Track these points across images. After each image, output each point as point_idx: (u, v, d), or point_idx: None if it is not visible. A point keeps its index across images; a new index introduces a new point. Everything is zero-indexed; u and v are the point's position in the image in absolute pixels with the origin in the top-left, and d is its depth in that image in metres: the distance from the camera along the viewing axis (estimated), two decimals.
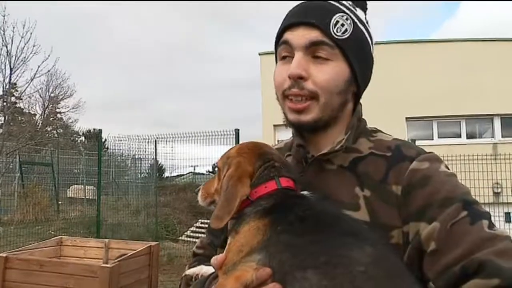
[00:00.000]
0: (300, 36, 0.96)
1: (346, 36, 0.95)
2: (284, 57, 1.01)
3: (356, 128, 1.03)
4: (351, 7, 1.00)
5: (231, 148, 1.01)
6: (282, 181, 0.90)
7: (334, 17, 0.95)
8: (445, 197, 0.84)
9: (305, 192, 0.92)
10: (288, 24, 0.99)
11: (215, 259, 0.85)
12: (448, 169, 0.92)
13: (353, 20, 0.97)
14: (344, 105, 1.01)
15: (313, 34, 0.95)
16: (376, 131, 1.06)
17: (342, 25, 0.95)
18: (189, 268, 1.13)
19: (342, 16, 0.96)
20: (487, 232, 0.77)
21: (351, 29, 0.96)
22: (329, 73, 0.95)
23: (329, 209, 0.86)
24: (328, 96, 0.96)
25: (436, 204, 0.84)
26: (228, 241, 0.87)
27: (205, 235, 1.23)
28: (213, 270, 0.98)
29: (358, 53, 0.98)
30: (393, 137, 1.03)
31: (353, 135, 1.01)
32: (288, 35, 0.98)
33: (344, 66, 0.97)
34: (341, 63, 0.97)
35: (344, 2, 1.00)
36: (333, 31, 0.94)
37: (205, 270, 1.05)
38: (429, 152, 0.96)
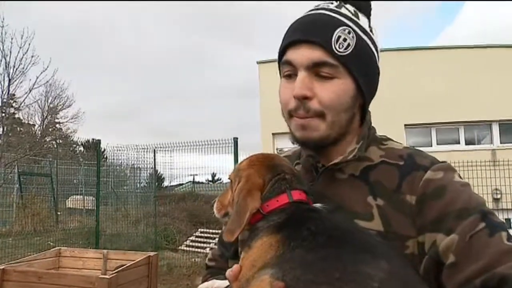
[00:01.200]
0: (302, 55, 0.94)
1: (348, 52, 0.93)
2: (288, 76, 0.99)
3: (367, 136, 1.02)
4: (353, 17, 0.97)
5: (243, 160, 1.00)
6: (294, 194, 0.89)
7: (336, 32, 0.93)
8: (462, 208, 0.83)
9: (317, 205, 0.90)
10: (290, 41, 0.97)
11: (230, 271, 0.84)
12: (462, 178, 0.91)
13: (355, 32, 0.95)
14: (351, 120, 1.00)
15: (316, 54, 0.93)
16: (387, 139, 1.05)
17: (344, 40, 0.93)
18: (202, 281, 1.12)
19: (344, 30, 0.94)
20: (506, 245, 0.76)
21: (354, 43, 0.94)
22: (334, 91, 0.93)
23: (342, 223, 0.85)
24: (335, 114, 0.95)
25: (453, 215, 0.83)
26: (242, 256, 0.86)
27: (216, 247, 1.22)
28: (226, 285, 0.97)
29: (362, 67, 0.96)
30: (403, 145, 1.03)
31: (365, 144, 1.00)
32: (290, 55, 0.97)
33: (349, 82, 0.95)
34: (346, 79, 0.95)
35: (345, 12, 0.97)
36: (335, 48, 0.92)
37: (217, 285, 1.03)
38: (443, 162, 0.94)
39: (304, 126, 0.95)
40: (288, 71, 0.98)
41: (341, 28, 0.94)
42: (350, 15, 0.97)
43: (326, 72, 0.93)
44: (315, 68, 0.94)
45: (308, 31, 0.95)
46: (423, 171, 0.91)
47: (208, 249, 8.32)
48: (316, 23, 0.96)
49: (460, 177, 0.91)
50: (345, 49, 0.93)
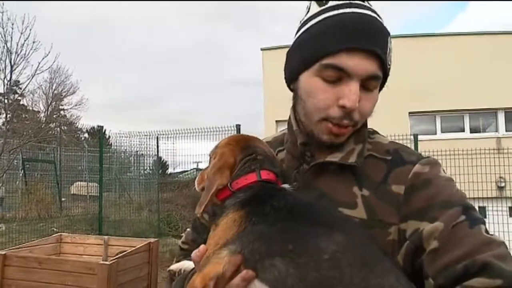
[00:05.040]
0: (360, 65, 0.87)
1: (390, 64, 0.93)
2: (330, 80, 0.90)
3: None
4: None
5: (224, 139, 1.04)
6: (262, 174, 0.92)
7: (388, 43, 0.91)
8: (446, 200, 0.86)
9: (285, 185, 0.93)
10: (346, 47, 0.87)
11: (196, 252, 0.86)
12: (445, 173, 0.94)
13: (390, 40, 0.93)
14: None
15: (373, 67, 0.89)
16: (373, 132, 1.06)
17: (390, 50, 0.92)
18: (175, 263, 1.14)
19: (391, 40, 0.92)
20: (485, 236, 0.81)
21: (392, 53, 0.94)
22: (373, 103, 0.95)
23: (305, 200, 0.87)
24: (362, 121, 0.97)
25: (437, 206, 0.86)
26: (209, 234, 0.89)
27: (190, 230, 1.22)
28: None
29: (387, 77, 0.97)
30: (389, 140, 1.04)
31: (365, 148, 1.00)
32: (345, 61, 0.87)
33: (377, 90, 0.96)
34: (377, 89, 0.95)
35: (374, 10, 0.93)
36: (388, 62, 0.91)
37: (187, 265, 1.06)
38: (427, 157, 0.97)
39: (339, 135, 0.94)
40: (332, 76, 0.90)
41: (389, 37, 0.91)
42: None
43: (374, 84, 0.92)
44: (366, 80, 0.90)
45: (367, 38, 0.87)
46: (411, 165, 0.93)
47: None
48: (371, 29, 0.88)
49: (444, 172, 0.94)
50: (390, 61, 0.93)
